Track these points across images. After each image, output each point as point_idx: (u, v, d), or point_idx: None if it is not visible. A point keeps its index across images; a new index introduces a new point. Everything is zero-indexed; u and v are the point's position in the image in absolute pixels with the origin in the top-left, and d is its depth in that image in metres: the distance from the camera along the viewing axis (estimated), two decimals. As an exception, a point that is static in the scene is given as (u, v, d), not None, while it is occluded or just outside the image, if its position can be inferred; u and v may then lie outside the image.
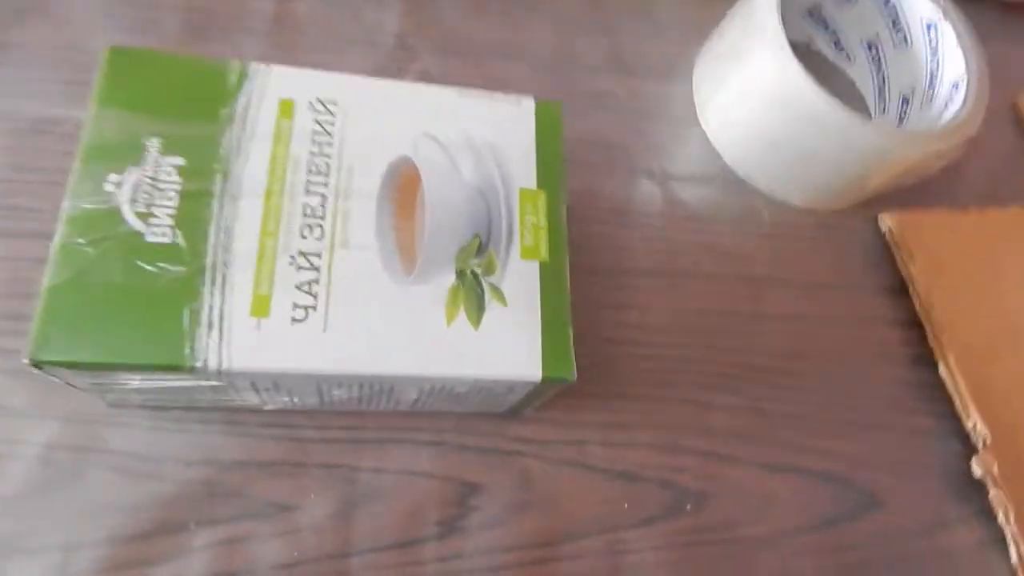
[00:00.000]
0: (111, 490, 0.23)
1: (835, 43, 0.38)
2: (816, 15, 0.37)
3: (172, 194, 0.20)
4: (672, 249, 0.32)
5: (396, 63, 0.31)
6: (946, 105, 0.32)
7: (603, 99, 0.34)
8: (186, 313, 0.19)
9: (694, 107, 0.35)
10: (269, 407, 0.23)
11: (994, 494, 0.29)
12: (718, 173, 0.34)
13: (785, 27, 0.30)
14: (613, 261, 0.31)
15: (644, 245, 0.31)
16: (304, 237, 0.20)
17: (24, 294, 0.24)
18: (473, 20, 0.34)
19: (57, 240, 0.18)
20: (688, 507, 0.27)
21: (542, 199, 0.23)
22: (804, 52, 0.39)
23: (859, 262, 0.34)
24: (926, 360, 0.32)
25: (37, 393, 0.23)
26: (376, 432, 0.25)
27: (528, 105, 0.24)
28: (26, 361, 0.17)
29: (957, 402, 0.31)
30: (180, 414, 0.24)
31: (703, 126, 0.35)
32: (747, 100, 0.32)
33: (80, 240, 0.19)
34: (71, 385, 0.20)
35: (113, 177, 0.19)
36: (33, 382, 0.23)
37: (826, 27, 0.37)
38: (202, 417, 0.24)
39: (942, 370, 0.31)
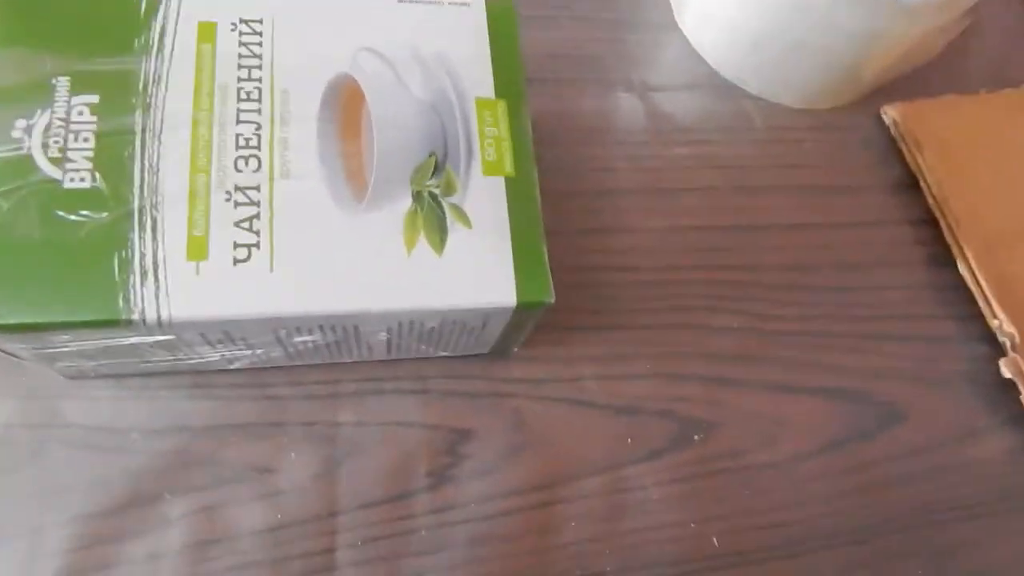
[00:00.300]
0: (75, 467, 0.21)
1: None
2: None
3: (88, 135, 0.18)
4: (659, 165, 0.29)
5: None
6: (946, -25, 0.29)
7: (571, 6, 0.31)
8: (116, 262, 0.17)
9: (671, 9, 0.32)
10: (235, 365, 0.22)
11: (1026, 394, 0.27)
12: (703, 79, 0.31)
13: None
14: (595, 183, 0.28)
15: (628, 163, 0.29)
16: (239, 170, 0.18)
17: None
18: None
19: (-37, 195, 0.17)
20: (696, 437, 0.25)
21: (502, 108, 0.20)
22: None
23: (863, 160, 0.32)
24: (942, 259, 0.30)
25: (-13, 372, 0.22)
26: (355, 384, 0.24)
27: (478, 7, 0.21)
28: (-58, 328, 0.16)
29: (980, 301, 0.29)
30: (143, 381, 0.22)
31: (682, 28, 0.32)
32: (726, -7, 0.29)
33: (-11, 193, 0.17)
34: (12, 355, 0.19)
35: (20, 122, 0.18)
36: (-19, 361, 0.22)
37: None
38: (167, 383, 0.22)
39: (961, 268, 0.29)
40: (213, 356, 0.20)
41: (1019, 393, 0.27)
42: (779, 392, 0.27)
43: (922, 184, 0.31)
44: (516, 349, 0.25)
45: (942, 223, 0.30)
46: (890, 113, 0.32)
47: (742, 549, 0.24)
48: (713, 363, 0.27)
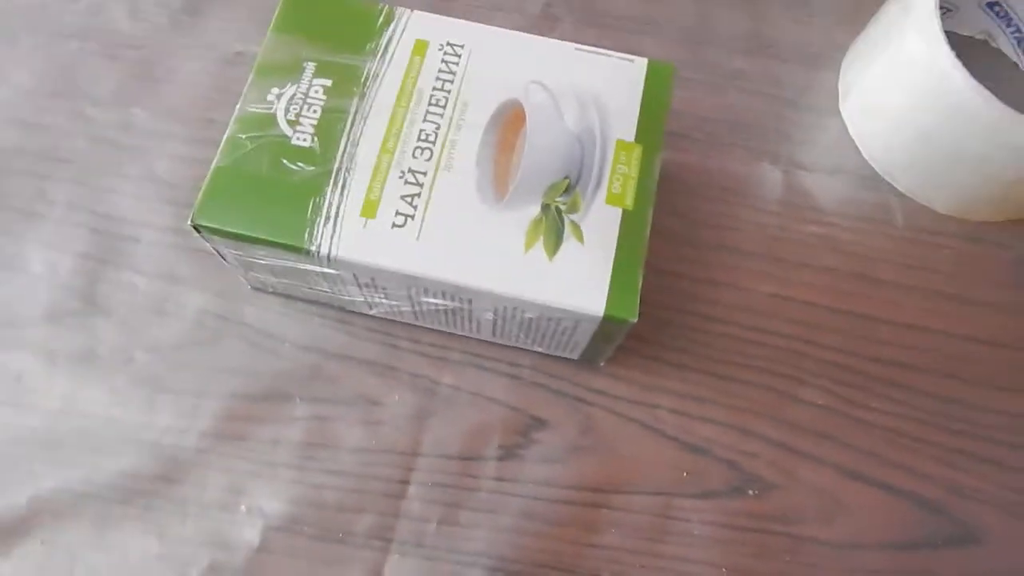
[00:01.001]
0: (240, 356, 0.27)
1: (1018, 40, 0.35)
2: (996, 8, 0.34)
3: (317, 108, 0.23)
4: (785, 236, 0.31)
5: (537, 30, 0.34)
6: None
7: (740, 79, 0.34)
8: (311, 206, 0.22)
9: (837, 97, 0.34)
10: (374, 311, 0.27)
11: None
12: (852, 167, 0.33)
13: (959, 19, 0.28)
14: (719, 239, 0.31)
15: (755, 228, 0.31)
16: (415, 157, 0.23)
17: (204, 189, 0.29)
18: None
19: (227, 133, 0.23)
20: (751, 492, 0.27)
21: (637, 152, 0.24)
22: (980, 49, 0.36)
23: (1003, 280, 0.31)
24: (1068, 398, 0.29)
25: (201, 269, 0.28)
26: (460, 355, 0.28)
27: (640, 64, 0.25)
28: (188, 223, 0.22)
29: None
30: (305, 305, 0.28)
31: (844, 116, 0.33)
32: (893, 88, 0.30)
33: (242, 136, 0.23)
34: (223, 259, 0.25)
35: (275, 90, 0.24)
36: (199, 259, 0.28)
37: (1008, 22, 0.34)
38: (319, 311, 0.28)
39: (1087, 413, 0.28)
40: (358, 297, 0.25)
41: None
42: (849, 477, 0.27)
43: (1064, 318, 0.30)
44: (603, 364, 0.28)
45: (1078, 362, 0.29)
46: (1047, 239, 0.31)
47: (768, 608, 0.25)
48: (788, 431, 0.28)
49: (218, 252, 0.24)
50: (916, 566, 0.26)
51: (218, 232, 0.22)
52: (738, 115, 0.33)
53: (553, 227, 0.23)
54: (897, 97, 0.30)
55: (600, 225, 0.23)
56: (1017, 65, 0.35)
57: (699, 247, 0.30)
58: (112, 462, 0.26)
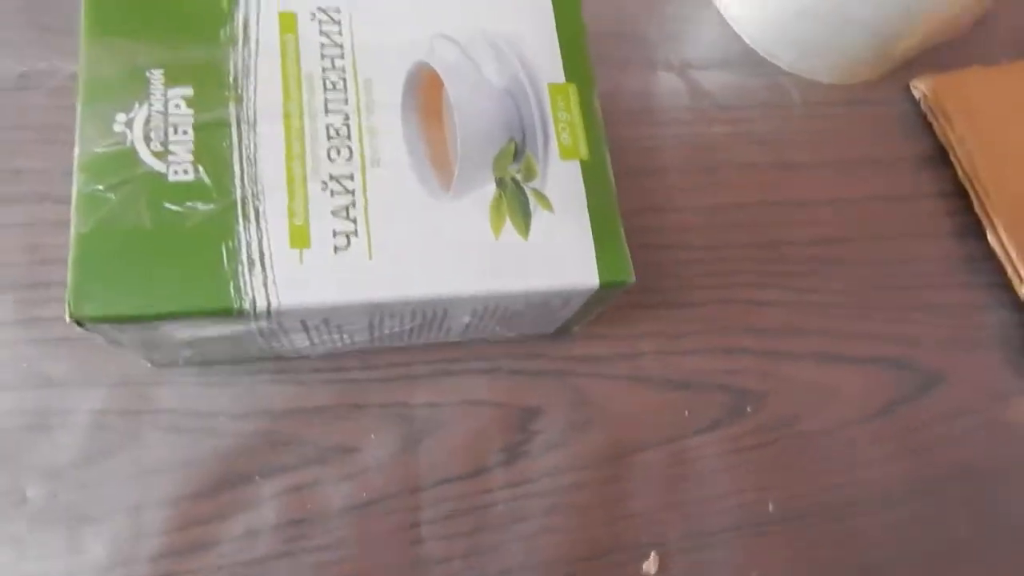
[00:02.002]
0: (168, 449, 0.22)
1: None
2: None
3: (186, 128, 0.18)
4: (703, 143, 0.30)
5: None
6: (981, -49, 0.29)
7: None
8: (224, 252, 0.17)
9: (706, -15, 0.33)
10: (318, 352, 0.22)
11: (1055, 356, 0.28)
12: (740, 56, 0.32)
13: None
14: (642, 162, 0.29)
15: (672, 142, 0.30)
16: (332, 160, 0.19)
17: (47, 260, 0.23)
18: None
19: (75, 188, 0.17)
20: (748, 408, 0.26)
21: (573, 92, 0.21)
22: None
23: (895, 134, 0.32)
24: (973, 230, 0.31)
25: (79, 361, 0.22)
26: (426, 367, 0.24)
27: (546, -8, 0.22)
28: (68, 319, 0.16)
29: (1008, 270, 0.30)
30: (228, 368, 0.23)
31: (717, 4, 0.33)
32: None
33: (99, 186, 0.17)
34: (114, 343, 0.19)
35: (121, 116, 0.18)
36: (74, 350, 0.22)
37: None
38: (249, 369, 0.23)
39: (991, 238, 0.30)
40: (303, 342, 0.21)
41: (1051, 356, 0.28)
42: (825, 362, 0.28)
43: (952, 156, 0.32)
44: (577, 328, 0.25)
45: (972, 195, 0.31)
46: (920, 87, 0.33)
47: (796, 514, 0.25)
48: (761, 337, 0.28)
49: (108, 339, 0.19)
50: (901, 423, 0.28)
51: (110, 319, 0.17)
52: (620, 25, 0.31)
53: (517, 202, 0.20)
54: (770, -24, 0.30)
55: (563, 186, 0.20)
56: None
57: (630, 176, 0.28)
58: (46, 633, 0.20)
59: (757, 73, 0.32)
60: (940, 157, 0.32)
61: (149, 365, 0.22)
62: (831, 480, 0.26)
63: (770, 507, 0.25)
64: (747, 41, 0.33)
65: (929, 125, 0.33)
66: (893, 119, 0.33)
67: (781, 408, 0.27)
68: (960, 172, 0.31)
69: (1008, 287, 0.30)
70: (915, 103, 0.33)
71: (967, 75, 0.33)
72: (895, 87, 0.33)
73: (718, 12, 0.33)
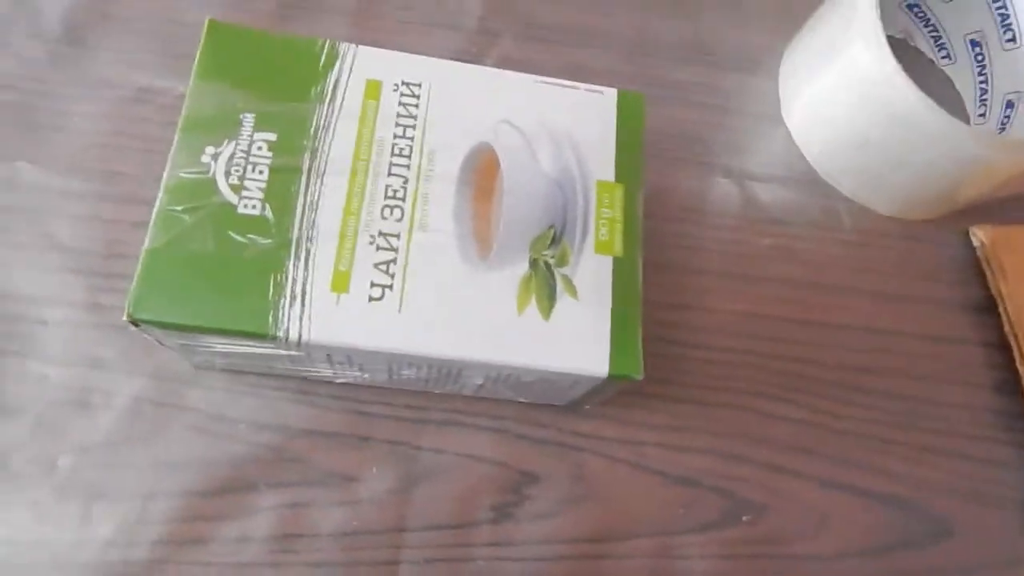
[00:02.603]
0: (189, 446, 0.24)
1: (935, 39, 0.36)
2: (916, 8, 0.35)
3: (263, 168, 0.20)
4: (745, 251, 0.31)
5: (477, 47, 0.31)
6: (1056, 115, 0.30)
7: (683, 90, 0.33)
8: (271, 284, 0.19)
9: (779, 103, 0.34)
10: (339, 380, 0.24)
11: (1076, 532, 0.27)
12: (800, 175, 0.33)
13: (882, 20, 0.29)
14: (683, 259, 0.30)
15: (716, 245, 0.31)
16: (385, 218, 0.21)
17: (121, 255, 0.25)
18: (554, 4, 0.34)
19: (157, 206, 0.20)
20: (745, 518, 0.27)
21: (619, 192, 0.22)
22: (901, 48, 0.37)
23: (945, 277, 0.32)
24: (1011, 386, 0.30)
25: (129, 350, 0.24)
26: (439, 413, 0.26)
27: (610, 95, 0.24)
28: (125, 319, 0.19)
29: (1042, 432, 0.29)
30: (256, 379, 0.25)
31: (787, 124, 0.34)
32: (837, 97, 0.30)
33: (177, 208, 0.20)
34: (160, 343, 0.21)
35: (210, 149, 0.20)
36: (126, 339, 0.25)
37: (927, 22, 0.36)
38: (276, 384, 0.25)
39: (1028, 397, 0.30)
40: (327, 372, 0.23)
41: (1070, 532, 0.27)
42: (830, 488, 0.28)
43: (1000, 309, 0.31)
44: (588, 407, 0.26)
45: (1015, 350, 0.31)
46: (979, 234, 0.33)
47: (774, 634, 0.25)
48: (771, 449, 0.28)
49: (156, 340, 0.21)
50: (900, 566, 0.27)
51: (162, 325, 0.19)
52: (685, 128, 0.33)
53: (545, 284, 0.21)
54: (840, 105, 0.31)
55: (592, 277, 0.21)
56: (933, 63, 0.37)
57: (666, 271, 0.30)
58: (46, 592, 0.22)
59: (814, 194, 0.33)
60: (989, 308, 0.32)
61: (189, 365, 0.24)
62: (814, 610, 0.26)
63: (747, 623, 0.25)
64: (810, 162, 0.33)
65: (982, 274, 0.33)
66: (946, 261, 0.33)
67: (777, 524, 0.27)
68: (1007, 326, 0.31)
69: (1038, 450, 0.29)
70: (971, 249, 0.33)
71: (1029, 231, 0.33)
72: (954, 230, 0.33)
73: (787, 130, 0.34)
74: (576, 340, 0.21)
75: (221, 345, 0.20)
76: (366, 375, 0.23)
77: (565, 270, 0.21)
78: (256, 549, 0.23)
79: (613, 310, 0.21)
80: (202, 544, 0.23)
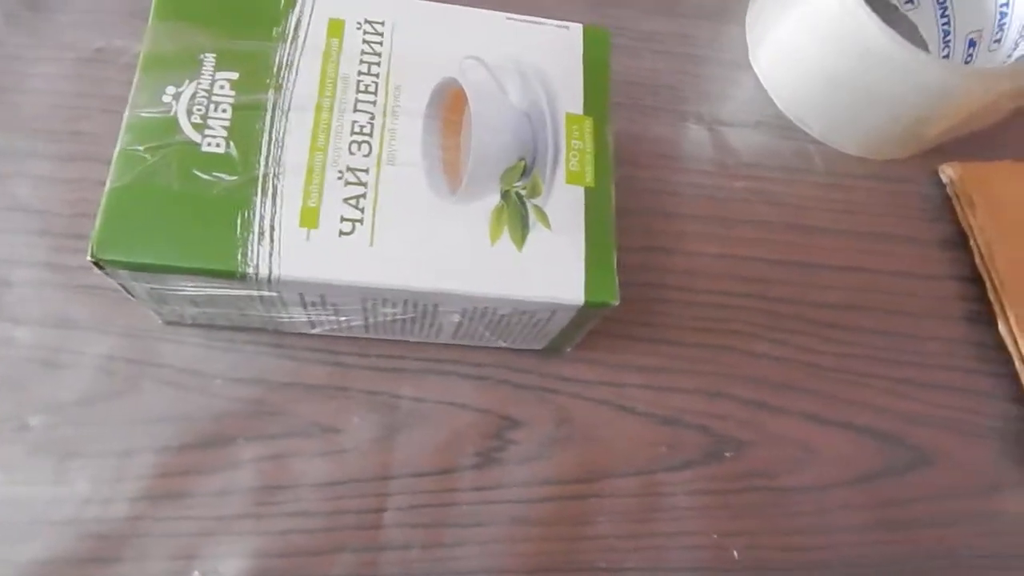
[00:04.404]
0: (164, 402, 0.23)
1: (898, -14, 0.36)
2: (879, -42, 0.36)
3: (226, 107, 0.20)
4: (719, 195, 0.31)
5: None
6: (1016, 46, 0.30)
7: (651, 40, 0.33)
8: (239, 221, 0.19)
9: (746, 49, 0.34)
10: (316, 330, 0.24)
11: (1053, 456, 0.28)
12: (770, 119, 0.33)
13: None
14: (660, 205, 0.30)
15: (691, 190, 0.31)
16: (352, 153, 0.20)
17: (85, 214, 0.25)
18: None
19: (118, 146, 0.19)
20: (727, 454, 0.27)
21: (588, 124, 0.22)
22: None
23: (916, 214, 0.33)
24: (985, 318, 0.31)
25: (98, 308, 0.24)
26: (418, 362, 0.26)
27: (576, 30, 0.23)
28: (88, 258, 0.18)
29: (1016, 362, 0.30)
30: (231, 334, 0.24)
31: (755, 69, 0.34)
32: (803, 38, 0.31)
33: (139, 147, 0.19)
34: (129, 294, 0.21)
35: (171, 89, 0.20)
36: (93, 298, 0.24)
37: (889, -30, 0.36)
38: (252, 338, 0.25)
39: (1002, 328, 0.30)
40: (301, 317, 0.22)
41: (1048, 454, 0.28)
42: (813, 422, 0.28)
43: (971, 243, 0.32)
44: (569, 349, 0.26)
45: (987, 283, 0.31)
46: (948, 172, 0.33)
47: (761, 565, 0.25)
48: (752, 387, 0.28)
49: (123, 287, 0.20)
50: (883, 496, 0.27)
51: (127, 265, 0.19)
52: (656, 77, 0.33)
53: (517, 215, 0.21)
54: (807, 46, 0.31)
55: (565, 207, 0.21)
56: (896, 8, 0.37)
57: (642, 215, 0.29)
58: (24, 552, 0.21)
59: (785, 137, 0.33)
60: (960, 243, 0.32)
61: (159, 320, 0.24)
62: (801, 539, 0.26)
63: (735, 554, 0.25)
64: (779, 106, 0.34)
65: (953, 210, 0.33)
66: (917, 199, 0.33)
67: (760, 459, 0.27)
68: (978, 259, 0.32)
69: (1013, 378, 0.30)
70: (941, 187, 0.33)
71: (997, 167, 0.33)
72: (923, 169, 0.34)
73: (756, 76, 0.34)
74: (551, 269, 0.20)
75: (191, 288, 0.20)
76: (342, 319, 0.22)
77: (537, 201, 0.21)
78: (238, 501, 0.23)
79: (587, 239, 0.21)
80: (181, 498, 0.23)
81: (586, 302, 0.20)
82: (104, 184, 0.19)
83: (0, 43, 0.27)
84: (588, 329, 0.23)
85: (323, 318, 0.22)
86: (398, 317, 0.22)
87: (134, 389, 0.23)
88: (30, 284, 0.24)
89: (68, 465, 0.22)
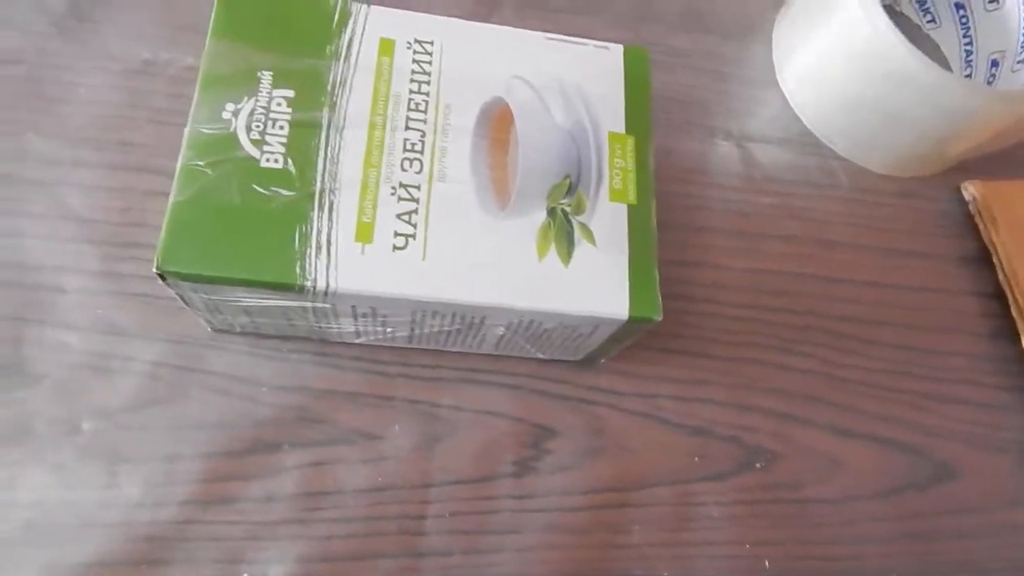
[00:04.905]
0: (211, 409, 0.24)
1: (920, 3, 0.37)
2: (903, -24, 0.36)
3: (283, 123, 0.21)
4: (748, 210, 0.31)
5: (478, 16, 0.32)
6: (1042, 68, 0.31)
7: (681, 57, 0.34)
8: (297, 235, 0.20)
9: (773, 67, 0.35)
10: (360, 339, 0.24)
11: (1074, 471, 0.28)
12: (796, 136, 0.34)
13: None
14: (688, 219, 0.31)
15: (720, 205, 0.31)
16: (404, 170, 0.21)
17: (134, 223, 0.25)
18: (552, -24, 0.34)
19: (180, 161, 0.20)
20: (758, 465, 0.27)
21: (630, 143, 0.23)
22: (888, 14, 0.38)
23: (940, 231, 0.33)
24: (1007, 333, 0.31)
25: (147, 316, 0.25)
26: (456, 372, 0.26)
27: (616, 51, 0.24)
28: (154, 270, 0.19)
29: (1038, 377, 0.30)
30: (276, 343, 0.25)
31: (781, 87, 0.34)
32: (830, 57, 0.31)
33: (200, 162, 0.20)
34: (184, 302, 0.21)
35: (230, 106, 0.20)
36: (143, 305, 0.25)
37: (913, -10, 0.37)
38: (296, 347, 0.25)
39: (1024, 344, 0.31)
40: (348, 328, 0.23)
41: (1069, 469, 0.28)
42: (839, 435, 0.28)
43: (994, 260, 0.32)
44: (603, 361, 0.27)
45: (1010, 298, 0.31)
46: (971, 189, 0.34)
47: (791, 574, 0.26)
48: (780, 399, 0.28)
49: (181, 297, 0.21)
50: (907, 508, 0.28)
51: (190, 277, 0.19)
52: (686, 93, 0.33)
53: (563, 231, 0.21)
54: (833, 65, 0.32)
55: (608, 224, 0.22)
56: (919, 28, 0.38)
57: (671, 229, 0.30)
58: (76, 554, 0.22)
59: (811, 153, 0.34)
60: (983, 259, 0.33)
61: (208, 329, 0.24)
62: (829, 549, 0.26)
63: (766, 564, 0.26)
64: (805, 123, 0.34)
65: (975, 227, 0.34)
66: (940, 215, 0.34)
67: (790, 471, 0.27)
68: (1000, 276, 0.32)
69: (1035, 394, 0.30)
70: (964, 204, 0.34)
71: (1019, 185, 0.34)
72: (946, 186, 0.34)
73: (782, 93, 0.35)
74: (596, 284, 0.21)
75: (247, 299, 0.21)
76: (388, 330, 0.23)
77: (582, 218, 0.22)
78: (283, 507, 0.23)
79: (630, 255, 0.22)
80: (228, 503, 0.23)
81: (630, 317, 0.21)
82: (155, 195, 0.19)
83: (48, 53, 0.27)
84: (627, 344, 0.24)
85: (370, 328, 0.23)
86: (444, 329, 0.23)
87: (181, 395, 0.24)
88: (82, 292, 0.24)
89: (118, 469, 0.23)
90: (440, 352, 0.26)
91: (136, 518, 0.23)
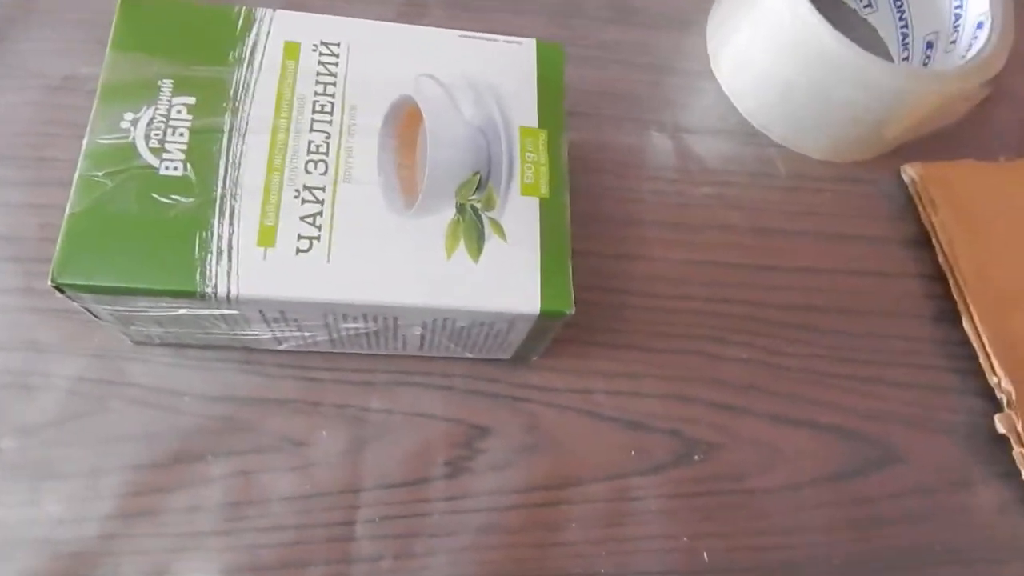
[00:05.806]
0: (132, 421, 0.24)
1: (855, -12, 0.37)
2: (836, -37, 0.36)
3: (183, 130, 0.20)
4: (684, 202, 0.31)
5: (406, 18, 0.32)
6: (970, 45, 0.31)
7: (614, 51, 0.34)
8: (196, 242, 0.19)
9: (707, 58, 0.35)
10: (283, 346, 0.24)
11: (1018, 452, 0.28)
12: (733, 126, 0.34)
13: None
14: (623, 212, 0.31)
15: (655, 197, 0.31)
16: (309, 172, 0.21)
17: (54, 240, 0.25)
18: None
19: (77, 172, 0.20)
20: (696, 457, 0.27)
21: (543, 137, 0.23)
22: (824, 1, 0.38)
23: (879, 214, 0.33)
24: (949, 315, 0.31)
25: (68, 331, 0.24)
26: (386, 375, 0.26)
27: (529, 46, 0.24)
28: (49, 284, 0.19)
29: (981, 358, 0.30)
30: (200, 352, 0.25)
31: (717, 77, 0.34)
32: (760, 46, 0.31)
33: (98, 173, 0.20)
34: (94, 316, 0.21)
35: (129, 115, 0.20)
36: (63, 321, 0.24)
37: (846, -25, 0.37)
38: (220, 356, 0.25)
39: (965, 325, 0.31)
40: (266, 334, 0.23)
41: (1012, 449, 0.28)
42: (780, 423, 0.28)
43: (934, 242, 0.32)
44: (536, 358, 0.27)
45: (951, 281, 0.31)
46: (909, 172, 0.34)
47: (731, 567, 0.26)
48: (719, 390, 0.28)
49: (88, 311, 0.21)
50: (851, 494, 0.28)
51: (87, 288, 0.19)
52: (619, 86, 0.33)
53: (472, 227, 0.21)
54: (764, 54, 0.32)
55: (520, 219, 0.22)
56: (856, 12, 0.38)
57: (606, 223, 0.30)
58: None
59: (748, 143, 0.34)
60: (924, 242, 0.33)
61: (128, 342, 0.24)
62: (771, 540, 0.26)
63: (705, 557, 0.26)
64: (742, 113, 0.34)
65: (915, 210, 0.34)
66: (880, 199, 0.34)
67: (729, 462, 0.27)
68: (941, 257, 0.32)
69: (978, 374, 0.30)
70: (904, 187, 0.34)
71: (958, 167, 0.34)
72: (886, 170, 0.34)
73: (718, 84, 0.35)
74: (507, 280, 0.21)
75: (153, 310, 0.20)
76: (306, 334, 0.23)
77: (492, 213, 0.22)
78: (208, 518, 0.23)
79: (542, 250, 0.21)
80: (153, 516, 0.23)
81: (542, 312, 0.21)
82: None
83: (-31, 73, 0.27)
84: (551, 338, 0.24)
85: (288, 334, 0.23)
86: (361, 331, 0.22)
87: (103, 409, 0.24)
88: (1, 309, 0.24)
89: (40, 486, 0.23)
90: (372, 356, 0.26)
91: (60, 535, 0.22)
